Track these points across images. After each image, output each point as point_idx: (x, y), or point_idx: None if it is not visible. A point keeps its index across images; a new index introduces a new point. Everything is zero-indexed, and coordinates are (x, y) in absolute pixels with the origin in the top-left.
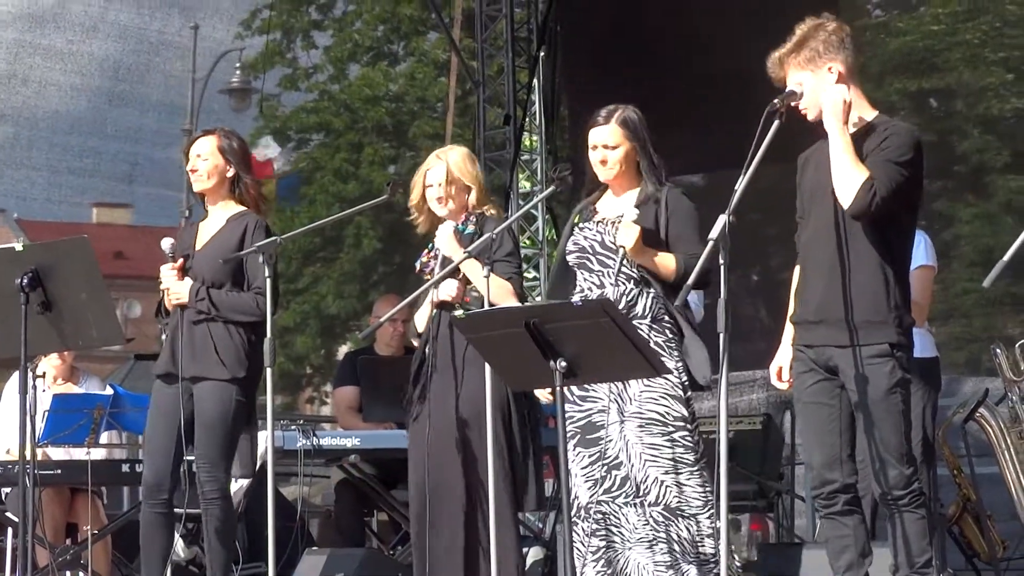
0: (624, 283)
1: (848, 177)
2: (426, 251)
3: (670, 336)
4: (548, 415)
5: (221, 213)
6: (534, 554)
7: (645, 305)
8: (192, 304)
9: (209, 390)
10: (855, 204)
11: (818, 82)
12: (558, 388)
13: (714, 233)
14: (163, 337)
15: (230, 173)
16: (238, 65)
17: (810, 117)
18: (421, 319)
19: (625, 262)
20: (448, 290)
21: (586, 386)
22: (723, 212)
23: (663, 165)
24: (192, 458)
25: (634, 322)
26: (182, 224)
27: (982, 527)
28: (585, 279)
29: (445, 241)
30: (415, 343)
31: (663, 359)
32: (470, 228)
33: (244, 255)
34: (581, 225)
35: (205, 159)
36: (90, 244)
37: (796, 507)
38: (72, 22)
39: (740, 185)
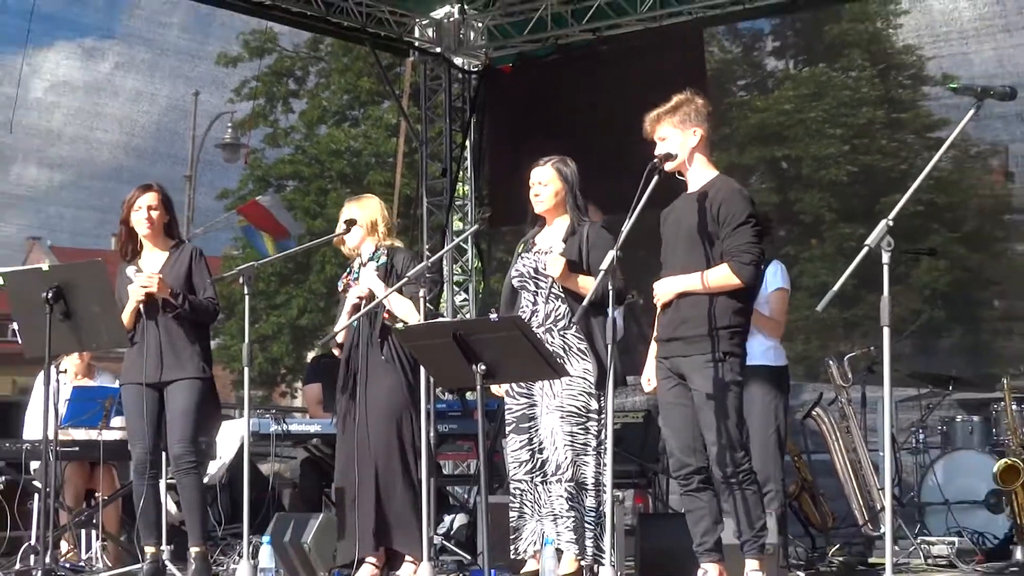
0: (554, 301)
1: (718, 284)
2: (344, 274)
3: (590, 343)
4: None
5: (162, 246)
6: (460, 519)
7: (569, 319)
8: (172, 294)
9: (180, 387)
10: (744, 281)
11: (683, 141)
12: (479, 388)
13: (604, 265)
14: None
15: (167, 220)
16: (230, 125)
17: (668, 167)
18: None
19: (554, 287)
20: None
21: (523, 385)
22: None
23: (586, 206)
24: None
25: (563, 332)
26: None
27: (816, 503)
28: (526, 298)
29: (369, 278)
30: (336, 352)
31: (585, 361)
32: (383, 259)
33: (229, 277)
34: (523, 255)
35: (156, 209)
36: (104, 266)
37: (671, 485)
38: (97, 88)
39: (626, 226)
